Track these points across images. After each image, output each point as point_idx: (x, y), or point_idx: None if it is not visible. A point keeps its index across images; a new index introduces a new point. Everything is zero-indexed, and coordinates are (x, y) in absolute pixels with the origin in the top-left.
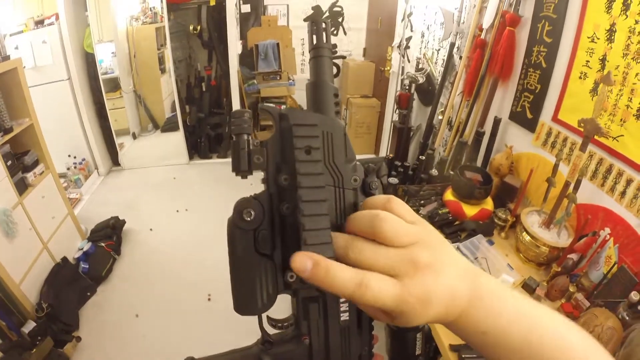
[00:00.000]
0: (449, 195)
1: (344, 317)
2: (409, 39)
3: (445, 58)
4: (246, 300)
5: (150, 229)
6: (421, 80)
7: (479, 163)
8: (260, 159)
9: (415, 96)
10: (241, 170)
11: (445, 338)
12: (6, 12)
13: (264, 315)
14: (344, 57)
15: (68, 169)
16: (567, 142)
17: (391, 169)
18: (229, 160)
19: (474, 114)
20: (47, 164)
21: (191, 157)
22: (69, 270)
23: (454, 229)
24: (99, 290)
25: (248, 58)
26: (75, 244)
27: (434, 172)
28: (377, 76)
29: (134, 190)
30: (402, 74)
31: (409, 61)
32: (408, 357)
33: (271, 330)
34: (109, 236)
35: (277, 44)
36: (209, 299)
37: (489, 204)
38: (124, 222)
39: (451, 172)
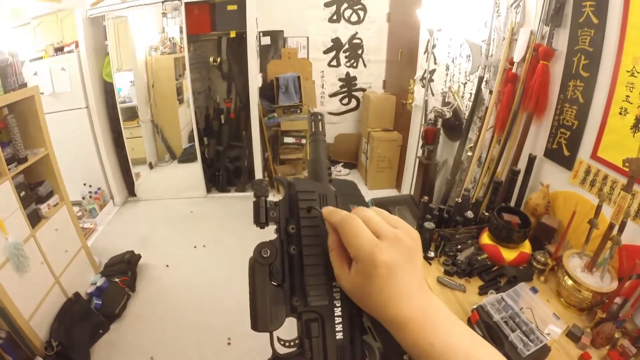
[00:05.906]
0: (485, 239)
1: (339, 335)
2: (432, 71)
3: (472, 92)
4: (261, 319)
5: (167, 265)
6: (448, 115)
7: (512, 203)
8: (275, 214)
9: (441, 131)
10: (260, 222)
11: None
12: (26, 38)
13: (275, 337)
14: (363, 90)
15: (83, 197)
16: (607, 180)
17: (425, 212)
18: (247, 194)
19: (506, 151)
20: (62, 195)
21: (209, 190)
22: (81, 307)
23: (493, 274)
24: (112, 328)
25: (268, 91)
26: (88, 278)
27: (470, 214)
28: (398, 109)
29: (150, 223)
30: (427, 107)
31: (432, 94)
32: None
33: (282, 350)
34: (123, 271)
35: (298, 77)
36: (229, 344)
37: (527, 246)
38: (139, 256)
39: (486, 214)
